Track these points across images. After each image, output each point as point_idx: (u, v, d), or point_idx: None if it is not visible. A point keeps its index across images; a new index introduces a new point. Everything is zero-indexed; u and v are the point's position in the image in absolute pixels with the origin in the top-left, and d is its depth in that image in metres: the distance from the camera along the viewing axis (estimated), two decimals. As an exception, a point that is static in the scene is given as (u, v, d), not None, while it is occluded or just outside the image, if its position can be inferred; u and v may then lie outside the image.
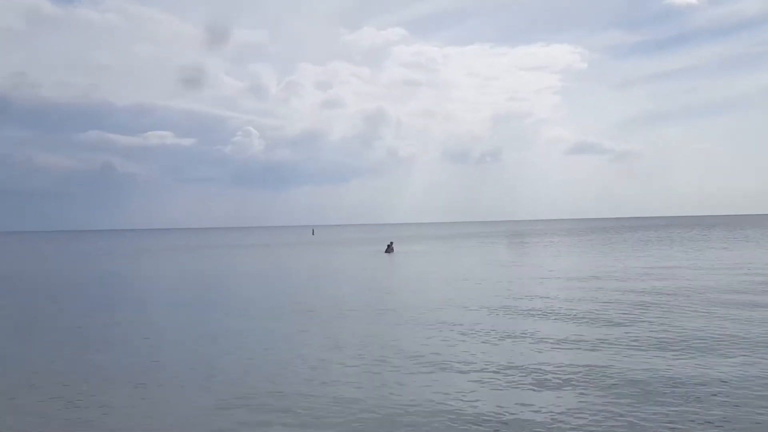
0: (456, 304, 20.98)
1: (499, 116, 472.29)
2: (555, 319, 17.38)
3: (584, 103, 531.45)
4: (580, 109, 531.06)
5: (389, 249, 59.36)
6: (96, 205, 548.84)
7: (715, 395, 9.86)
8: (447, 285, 28.17)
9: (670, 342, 13.81)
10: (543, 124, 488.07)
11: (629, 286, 24.72)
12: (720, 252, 45.26)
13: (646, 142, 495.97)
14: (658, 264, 35.74)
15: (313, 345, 14.98)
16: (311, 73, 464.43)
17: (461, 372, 11.83)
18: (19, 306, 25.51)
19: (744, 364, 11.84)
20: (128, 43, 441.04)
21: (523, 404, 9.69)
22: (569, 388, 10.46)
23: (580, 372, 11.39)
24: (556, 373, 11.40)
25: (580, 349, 13.45)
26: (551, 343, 14.08)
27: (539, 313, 18.42)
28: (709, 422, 8.67)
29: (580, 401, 9.72)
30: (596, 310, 18.74)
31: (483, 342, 14.51)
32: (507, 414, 9.32)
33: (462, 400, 10.01)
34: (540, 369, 11.69)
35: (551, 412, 9.26)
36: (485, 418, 9.17)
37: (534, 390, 10.42)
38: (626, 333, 14.98)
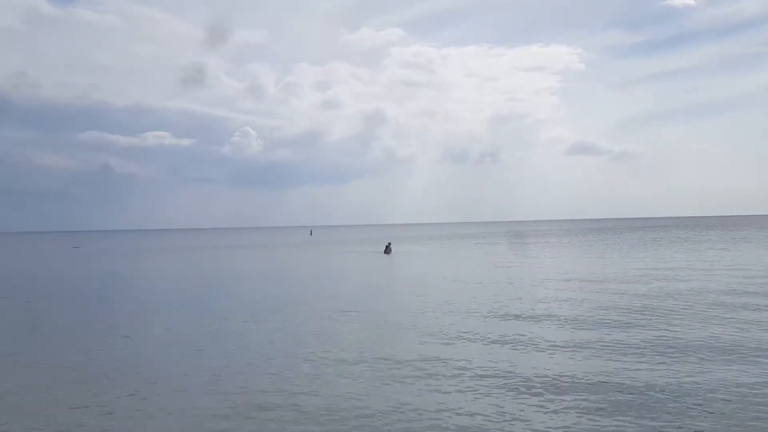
0: (453, 306, 20.97)
1: (498, 117, 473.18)
2: (552, 322, 17.27)
3: (583, 104, 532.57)
4: (579, 109, 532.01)
5: (387, 250, 59.41)
6: (95, 205, 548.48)
7: (709, 402, 9.75)
8: (445, 287, 28.18)
9: (668, 347, 13.69)
10: (542, 125, 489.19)
11: (627, 289, 24.64)
12: (719, 253, 45.28)
13: (645, 142, 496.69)
14: (657, 266, 35.77)
15: (310, 346, 15.00)
16: (310, 73, 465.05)
17: (455, 377, 11.73)
18: (18, 306, 25.52)
19: (742, 369, 11.78)
20: (127, 43, 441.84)
21: (516, 411, 9.63)
22: (563, 394, 10.31)
23: (575, 378, 11.27)
24: (549, 379, 11.31)
25: (576, 354, 13.31)
26: (548, 347, 13.95)
27: (536, 316, 18.31)
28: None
29: (574, 408, 9.58)
30: (594, 313, 18.63)
31: (480, 346, 14.40)
32: (495, 422, 9.32)
33: (457, 405, 9.97)
34: (535, 374, 11.59)
35: (543, 420, 9.17)
36: (478, 425, 9.18)
37: (527, 396, 10.26)
38: (624, 337, 14.87)
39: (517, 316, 18.32)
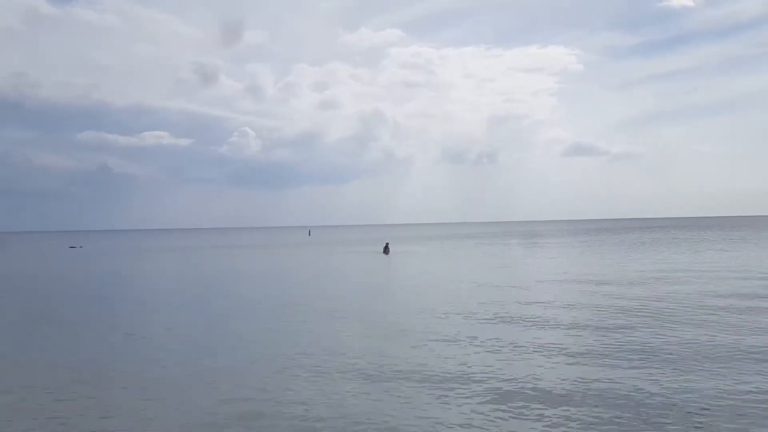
0: (451, 308, 20.99)
1: (496, 118, 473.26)
2: (551, 326, 17.14)
3: (581, 105, 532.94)
4: (577, 110, 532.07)
5: (386, 250, 59.50)
6: (94, 205, 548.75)
7: (712, 410, 9.68)
8: (444, 288, 28.21)
9: (667, 352, 13.58)
10: (540, 126, 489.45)
11: (627, 291, 24.58)
12: (718, 254, 45.38)
13: (644, 143, 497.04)
14: (656, 267, 35.85)
15: (308, 348, 14.99)
16: (309, 73, 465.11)
17: (452, 382, 11.72)
18: (18, 306, 25.54)
19: (741, 376, 11.76)
20: (127, 43, 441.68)
21: (510, 419, 9.59)
22: (560, 403, 10.06)
23: (574, 385, 11.11)
24: (546, 386, 11.21)
25: (575, 359, 13.08)
26: (546, 352, 13.78)
27: (535, 319, 18.15)
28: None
29: (574, 419, 9.40)
30: (594, 316, 18.57)
31: (477, 350, 14.28)
32: (494, 427, 9.38)
33: (452, 412, 9.94)
34: (532, 381, 11.43)
35: (536, 429, 9.14)
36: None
37: (523, 404, 10.05)
38: (624, 342, 14.72)
39: (515, 319, 18.19)
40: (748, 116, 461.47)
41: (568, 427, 8.92)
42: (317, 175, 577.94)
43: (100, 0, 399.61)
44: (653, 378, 11.31)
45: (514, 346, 14.32)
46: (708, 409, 9.48)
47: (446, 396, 10.56)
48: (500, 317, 18.50)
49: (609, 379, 11.33)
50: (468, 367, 12.53)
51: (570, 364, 12.65)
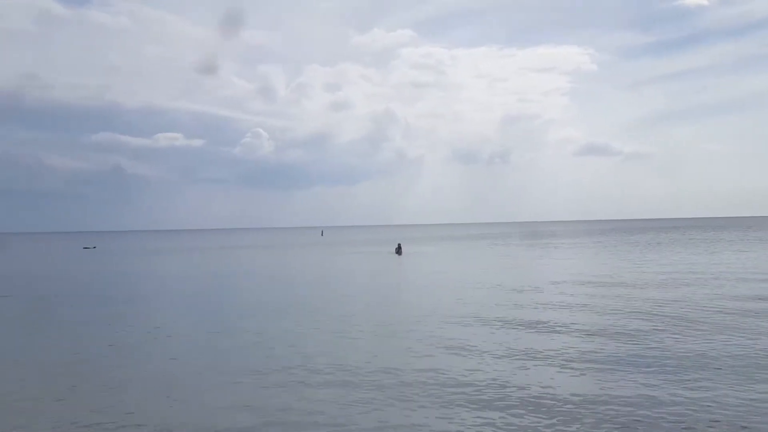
0: (466, 311, 20.75)
1: (507, 117, 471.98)
2: (564, 330, 16.63)
3: (594, 105, 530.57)
4: (589, 110, 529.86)
5: (398, 250, 59.33)
6: (106, 206, 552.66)
7: (718, 421, 9.39)
8: (457, 290, 27.78)
9: (685, 358, 13.29)
10: (552, 126, 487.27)
11: (642, 294, 24.11)
12: (734, 255, 44.74)
13: (656, 143, 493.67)
14: (674, 268, 35.37)
15: (321, 353, 14.85)
16: (320, 74, 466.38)
17: (463, 389, 11.48)
18: (33, 306, 25.57)
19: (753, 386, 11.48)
20: (138, 44, 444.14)
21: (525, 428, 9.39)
22: (575, 414, 9.71)
23: (590, 395, 10.78)
24: (561, 395, 10.94)
25: (592, 367, 12.66)
26: (559, 358, 13.35)
27: (549, 324, 17.63)
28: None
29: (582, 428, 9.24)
30: (611, 321, 18.19)
31: (490, 357, 13.86)
32: None
33: (466, 422, 9.69)
34: (546, 390, 11.12)
35: None
36: None
37: (536, 415, 9.77)
38: (642, 350, 14.38)
39: (530, 323, 17.75)
40: (759, 115, 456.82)
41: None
42: (329, 176, 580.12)
43: (111, 2, 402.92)
44: (674, 387, 10.92)
45: (528, 352, 13.92)
46: (719, 421, 9.10)
47: (455, 402, 10.29)
48: (515, 321, 18.17)
49: (625, 387, 10.97)
50: (481, 373, 12.19)
51: (583, 370, 12.28)
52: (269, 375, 12.53)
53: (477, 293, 25.67)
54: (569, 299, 22.45)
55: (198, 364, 13.87)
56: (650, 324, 17.02)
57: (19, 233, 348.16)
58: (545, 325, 17.39)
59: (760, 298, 21.52)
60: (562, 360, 13.15)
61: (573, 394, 10.56)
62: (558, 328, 16.75)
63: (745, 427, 8.82)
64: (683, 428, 8.90)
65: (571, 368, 12.49)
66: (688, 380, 11.24)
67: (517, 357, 13.53)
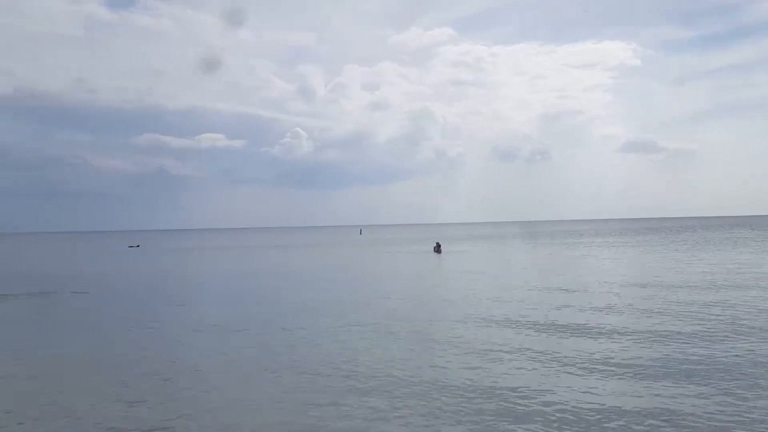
0: (509, 313, 20.51)
1: (548, 115, 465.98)
2: (610, 335, 16.06)
3: (637, 101, 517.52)
4: (633, 106, 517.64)
5: (437, 249, 59.07)
6: (150, 205, 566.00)
7: None
8: (498, 292, 27.18)
9: (735, 368, 12.88)
10: (594, 122, 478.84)
11: (692, 296, 23.26)
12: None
13: (702, 140, 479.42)
14: (724, 268, 34.19)
15: (359, 353, 14.88)
16: (359, 74, 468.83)
17: (501, 398, 11.30)
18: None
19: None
20: (180, 47, 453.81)
21: None
22: (615, 424, 9.38)
23: (629, 403, 10.52)
24: (602, 402, 10.72)
25: (628, 371, 12.32)
26: (601, 366, 12.83)
27: (594, 328, 16.96)
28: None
29: None
30: (654, 324, 17.57)
31: (530, 363, 13.52)
32: None
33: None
34: (586, 398, 10.86)
35: None
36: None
37: (576, 423, 9.47)
38: (686, 355, 13.94)
39: (574, 328, 17.14)
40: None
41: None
42: (367, 175, 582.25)
43: (154, 5, 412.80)
44: (727, 399, 10.52)
45: (571, 359, 13.43)
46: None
47: (488, 411, 10.06)
48: (559, 325, 17.63)
49: (676, 398, 10.56)
50: (519, 379, 11.93)
51: (627, 378, 11.81)
52: (314, 374, 12.62)
53: (518, 293, 25.29)
54: (615, 302, 21.81)
55: (248, 362, 14.10)
56: (698, 328, 16.39)
57: (66, 232, 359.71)
58: (591, 329, 16.88)
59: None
60: (603, 367, 12.65)
61: (616, 407, 10.04)
62: (604, 333, 16.22)
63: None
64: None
65: (613, 375, 12.01)
66: (746, 390, 10.83)
67: (558, 362, 13.17)
